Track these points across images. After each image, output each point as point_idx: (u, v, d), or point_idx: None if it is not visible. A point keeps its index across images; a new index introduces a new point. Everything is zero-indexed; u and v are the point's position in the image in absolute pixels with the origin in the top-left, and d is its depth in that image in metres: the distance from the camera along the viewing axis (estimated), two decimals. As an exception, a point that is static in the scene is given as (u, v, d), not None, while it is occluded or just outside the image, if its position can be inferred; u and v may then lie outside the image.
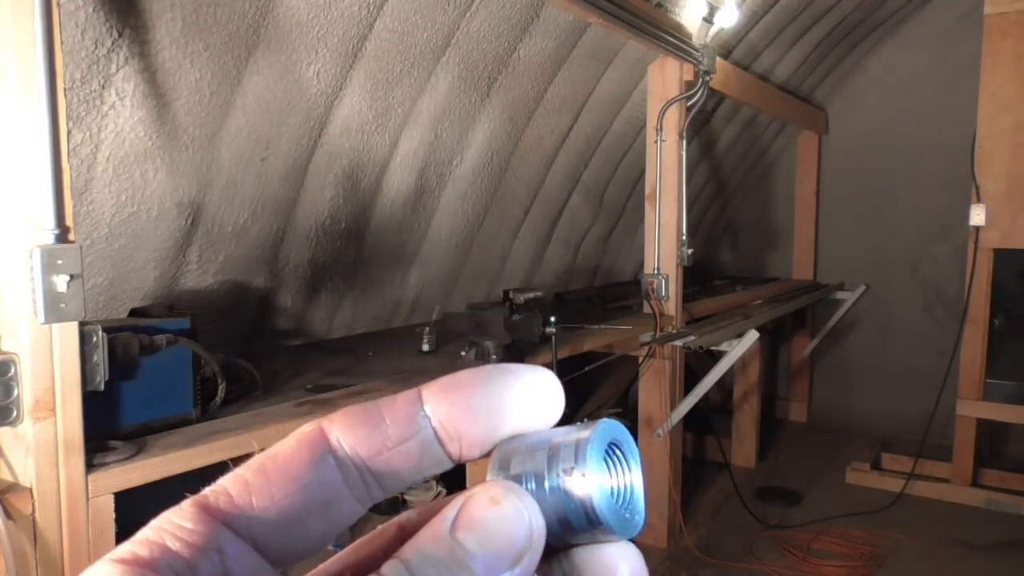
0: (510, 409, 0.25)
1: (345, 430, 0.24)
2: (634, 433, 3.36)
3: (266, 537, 0.23)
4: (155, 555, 0.21)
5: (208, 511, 0.23)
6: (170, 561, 0.21)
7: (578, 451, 0.23)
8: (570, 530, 0.23)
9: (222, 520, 0.23)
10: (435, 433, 0.24)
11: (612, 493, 0.24)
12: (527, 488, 0.23)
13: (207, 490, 0.23)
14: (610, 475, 0.24)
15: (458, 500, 0.23)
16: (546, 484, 0.23)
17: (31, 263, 1.19)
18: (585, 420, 0.25)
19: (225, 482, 0.24)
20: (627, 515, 0.24)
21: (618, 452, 0.25)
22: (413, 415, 0.24)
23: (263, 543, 0.23)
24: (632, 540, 0.25)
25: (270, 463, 0.24)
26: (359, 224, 2.60)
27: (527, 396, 0.25)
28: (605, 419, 0.25)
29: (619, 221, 4.25)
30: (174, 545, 0.22)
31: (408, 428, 0.24)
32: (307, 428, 0.24)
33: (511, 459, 0.24)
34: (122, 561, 0.21)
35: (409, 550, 0.22)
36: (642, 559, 0.25)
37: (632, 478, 0.25)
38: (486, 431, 0.25)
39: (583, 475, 0.23)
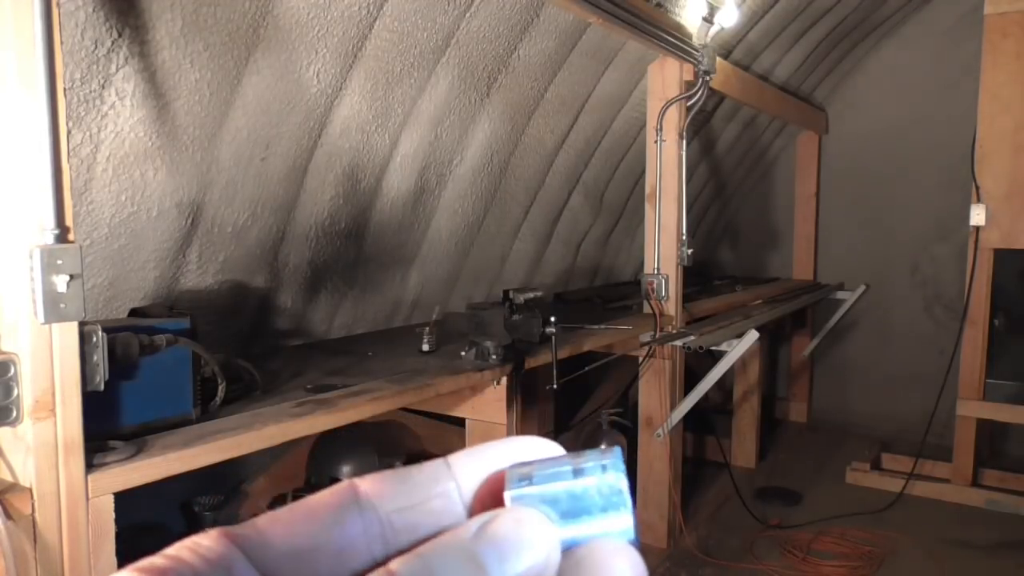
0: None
1: (373, 484, 0.26)
2: (634, 433, 3.37)
3: (278, 568, 0.25)
4: (170, 566, 0.23)
5: (227, 535, 0.25)
6: (181, 572, 0.23)
7: (606, 472, 0.25)
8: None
9: (240, 545, 0.24)
10: (460, 495, 0.26)
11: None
12: (545, 504, 0.24)
13: (241, 523, 0.26)
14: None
15: (483, 516, 0.24)
16: (566, 498, 0.24)
17: (31, 263, 1.18)
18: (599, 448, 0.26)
19: (258, 517, 0.26)
20: (625, 520, 0.25)
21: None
22: (439, 477, 0.26)
23: (273, 572, 0.25)
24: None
25: (299, 503, 0.26)
26: (359, 224, 2.60)
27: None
28: (616, 447, 0.26)
29: (619, 221, 4.25)
30: (188, 558, 0.24)
31: (434, 487, 0.26)
32: (340, 483, 0.27)
33: (532, 475, 0.25)
34: (141, 570, 0.23)
35: (425, 548, 0.23)
36: (639, 557, 0.25)
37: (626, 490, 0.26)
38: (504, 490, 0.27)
39: (615, 503, 0.24)
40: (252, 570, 0.24)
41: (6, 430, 1.21)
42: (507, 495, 0.25)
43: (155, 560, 0.23)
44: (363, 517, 0.25)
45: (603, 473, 0.24)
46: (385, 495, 0.26)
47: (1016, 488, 3.87)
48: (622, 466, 0.25)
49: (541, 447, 0.27)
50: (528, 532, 0.23)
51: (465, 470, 0.26)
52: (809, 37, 4.20)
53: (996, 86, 3.72)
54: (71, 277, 1.21)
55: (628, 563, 0.24)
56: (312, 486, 2.55)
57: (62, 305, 1.21)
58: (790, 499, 3.93)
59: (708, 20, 3.08)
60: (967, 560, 3.31)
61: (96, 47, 1.60)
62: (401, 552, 0.25)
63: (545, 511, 0.24)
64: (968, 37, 4.24)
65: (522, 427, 2.51)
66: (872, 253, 5.08)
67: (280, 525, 0.25)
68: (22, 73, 1.15)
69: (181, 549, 0.24)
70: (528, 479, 0.25)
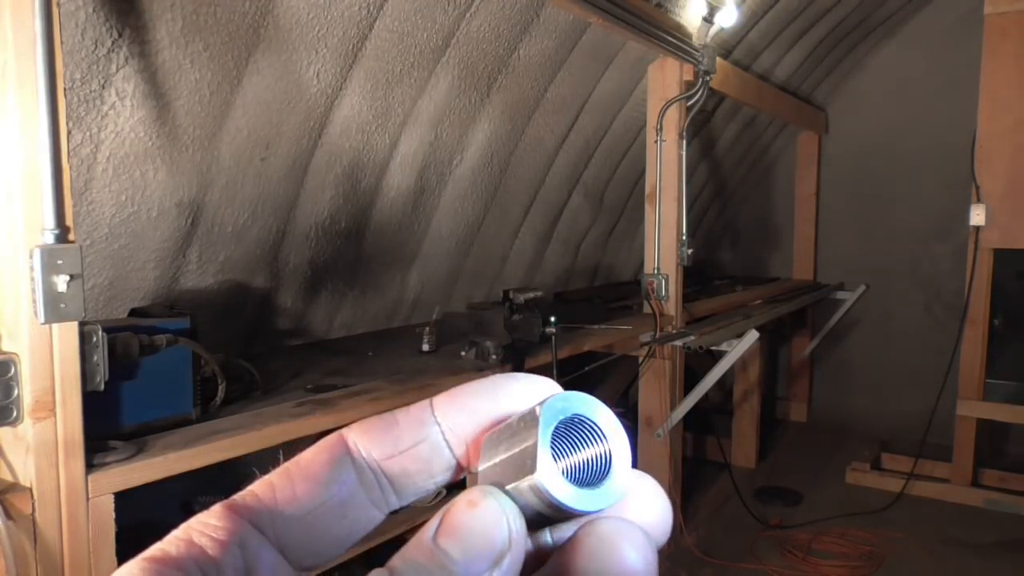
0: (513, 413, 0.26)
1: (361, 435, 0.26)
2: (634, 433, 3.37)
3: (288, 534, 0.25)
4: (182, 552, 0.23)
5: (234, 509, 0.24)
6: (196, 557, 0.23)
7: (525, 441, 0.23)
8: (544, 517, 0.24)
9: (248, 518, 0.24)
10: (444, 438, 0.26)
11: (564, 473, 0.23)
12: (502, 480, 0.24)
13: (237, 494, 0.25)
14: (559, 458, 0.24)
15: (442, 509, 0.24)
16: (511, 474, 0.24)
17: (31, 263, 1.19)
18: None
19: (253, 486, 0.25)
20: (593, 491, 0.23)
21: (583, 424, 0.24)
22: (424, 421, 0.26)
23: (285, 541, 0.25)
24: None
25: (293, 466, 0.26)
26: (359, 224, 2.60)
27: (529, 400, 0.26)
28: (555, 396, 0.24)
29: (619, 221, 4.24)
30: (200, 541, 0.23)
31: (419, 432, 0.26)
32: (328, 437, 0.26)
33: (487, 450, 0.25)
34: (152, 559, 0.22)
35: (396, 559, 0.23)
36: (647, 539, 0.23)
37: (596, 449, 0.24)
38: None
39: (530, 469, 0.23)
40: (265, 542, 0.24)
41: (6, 430, 1.21)
42: (479, 469, 0.25)
43: (165, 548, 0.23)
44: (357, 468, 0.25)
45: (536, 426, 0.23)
46: (374, 444, 0.26)
47: (1016, 488, 3.87)
48: (549, 413, 0.23)
49: (523, 384, 0.26)
50: (485, 513, 0.23)
51: (449, 413, 0.26)
52: (809, 37, 4.20)
53: (996, 86, 3.72)
54: (71, 277, 1.21)
55: (636, 551, 0.23)
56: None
57: (62, 305, 1.21)
58: (790, 499, 3.93)
59: (708, 20, 3.08)
60: (967, 560, 3.31)
61: (96, 47, 1.60)
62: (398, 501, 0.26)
63: (498, 483, 0.24)
64: (968, 37, 4.23)
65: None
66: (872, 253, 5.08)
67: (281, 491, 0.25)
68: (22, 73, 1.15)
69: (190, 531, 0.23)
70: (494, 449, 0.25)
